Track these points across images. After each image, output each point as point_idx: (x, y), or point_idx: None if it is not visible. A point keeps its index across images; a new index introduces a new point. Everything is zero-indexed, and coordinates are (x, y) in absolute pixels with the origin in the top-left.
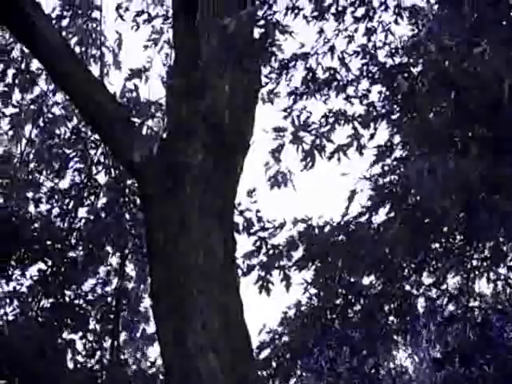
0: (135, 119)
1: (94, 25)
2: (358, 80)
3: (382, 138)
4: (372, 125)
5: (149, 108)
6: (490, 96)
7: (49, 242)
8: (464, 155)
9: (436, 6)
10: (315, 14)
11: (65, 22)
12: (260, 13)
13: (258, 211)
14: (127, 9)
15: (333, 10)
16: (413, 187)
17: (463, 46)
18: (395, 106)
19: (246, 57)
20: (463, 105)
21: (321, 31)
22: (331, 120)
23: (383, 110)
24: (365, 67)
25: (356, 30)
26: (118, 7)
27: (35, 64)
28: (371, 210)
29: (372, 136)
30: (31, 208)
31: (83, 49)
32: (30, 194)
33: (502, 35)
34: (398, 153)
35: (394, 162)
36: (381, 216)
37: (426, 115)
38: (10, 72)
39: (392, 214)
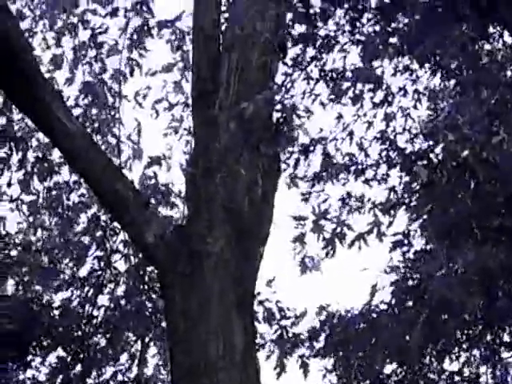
0: (153, 206)
1: (113, 112)
2: (377, 164)
3: (400, 223)
4: (392, 211)
5: (168, 195)
6: (509, 185)
7: (69, 329)
8: (483, 244)
9: (453, 89)
10: (332, 97)
11: (81, 110)
12: (277, 97)
13: (278, 301)
14: (145, 96)
15: (350, 93)
16: (433, 281)
17: (482, 135)
18: (414, 193)
19: (264, 142)
20: (482, 195)
21: (339, 116)
22: (350, 204)
23: (402, 196)
24: (384, 153)
25: (375, 116)
26: (137, 94)
27: (55, 152)
28: (393, 305)
29: (391, 223)
30: (51, 295)
31: (102, 137)
32: (49, 282)
33: None
34: (416, 241)
35: (414, 255)
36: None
37: (445, 205)
38: (30, 160)
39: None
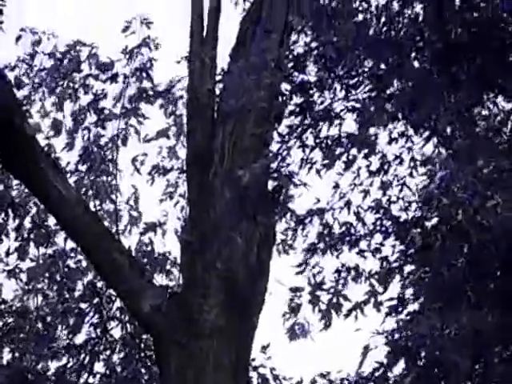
0: (149, 273)
1: (110, 178)
2: (371, 234)
3: (394, 290)
4: (388, 280)
5: (164, 262)
6: (503, 249)
7: None
8: (477, 308)
9: (448, 155)
10: (326, 162)
11: (76, 177)
12: (273, 165)
13: (273, 369)
14: (142, 162)
15: (344, 158)
16: (426, 344)
17: (476, 200)
18: (408, 259)
19: (260, 211)
20: (476, 258)
21: (336, 186)
22: (345, 275)
23: (396, 264)
24: (378, 221)
25: (371, 184)
26: (134, 160)
27: (51, 219)
28: (386, 366)
29: (385, 289)
30: (46, 363)
31: (98, 203)
32: (45, 349)
33: None
34: (410, 307)
35: (408, 317)
36: (398, 367)
37: (439, 269)
38: (26, 226)
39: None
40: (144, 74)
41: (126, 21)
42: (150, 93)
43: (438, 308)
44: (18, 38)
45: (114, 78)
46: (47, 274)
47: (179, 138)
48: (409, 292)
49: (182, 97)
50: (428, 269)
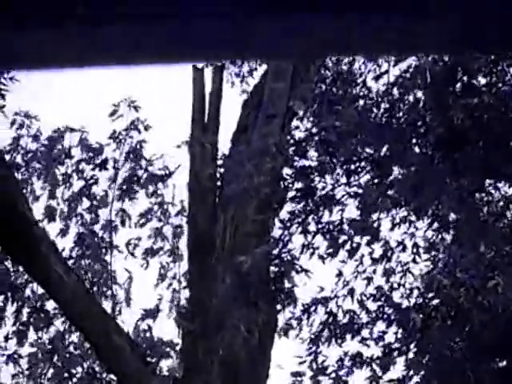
0: (150, 359)
1: (105, 264)
2: (373, 322)
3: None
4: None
5: (163, 347)
6: (504, 330)
7: None
8: None
9: (451, 241)
10: (330, 250)
11: (75, 261)
12: (275, 251)
13: None
14: (136, 246)
15: (347, 247)
16: None
17: (477, 280)
18: (410, 345)
19: (261, 297)
20: (478, 339)
21: (339, 273)
22: (348, 363)
23: (398, 350)
24: (380, 309)
25: (374, 272)
26: (128, 244)
27: (50, 303)
28: None
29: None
30: None
31: (97, 288)
32: None
33: None
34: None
35: None
36: None
37: (439, 350)
38: (25, 311)
39: None
40: (132, 157)
41: (114, 104)
42: (141, 175)
43: None
44: (13, 123)
45: (103, 164)
46: (47, 359)
47: (164, 217)
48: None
49: (163, 176)
50: (429, 350)
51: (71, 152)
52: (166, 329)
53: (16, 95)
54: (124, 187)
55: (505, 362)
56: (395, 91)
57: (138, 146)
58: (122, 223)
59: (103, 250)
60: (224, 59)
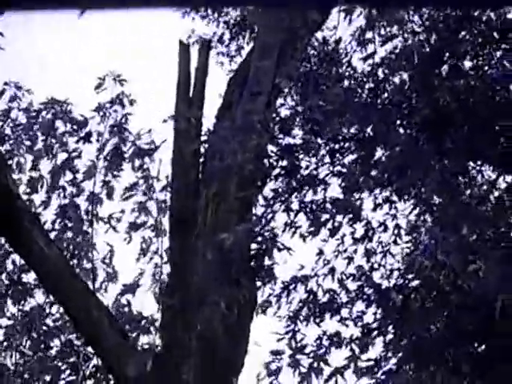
0: (129, 334)
1: (87, 237)
2: (353, 302)
3: (374, 354)
4: (369, 346)
5: (142, 323)
6: (483, 314)
7: None
8: (455, 372)
9: (433, 222)
10: (312, 229)
11: (56, 234)
12: (257, 229)
13: None
14: (119, 220)
15: (329, 225)
16: None
17: (458, 263)
18: (389, 325)
19: (243, 274)
20: (456, 322)
21: (320, 252)
22: (326, 343)
23: (378, 331)
24: (360, 289)
25: (355, 251)
26: (110, 217)
27: (30, 275)
28: None
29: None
30: None
31: (77, 261)
32: None
33: (498, 253)
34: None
35: (383, 376)
36: None
37: (418, 332)
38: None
39: None
40: (116, 130)
41: (99, 77)
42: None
43: (414, 367)
44: (2, 93)
45: (87, 137)
46: (25, 332)
47: (149, 192)
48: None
49: (150, 150)
50: (408, 331)
51: (55, 124)
52: (147, 304)
53: (4, 64)
54: (109, 160)
55: (483, 347)
56: (380, 72)
57: (123, 120)
58: (108, 196)
59: (85, 223)
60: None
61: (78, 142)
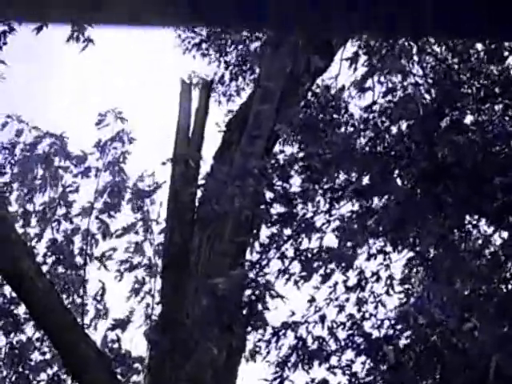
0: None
1: (79, 272)
2: (342, 350)
3: None
4: None
5: (130, 361)
6: (477, 374)
7: None
8: None
9: (426, 275)
10: (303, 274)
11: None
12: (251, 274)
13: None
14: (110, 257)
15: (321, 271)
16: None
17: (453, 321)
18: (379, 378)
19: (235, 321)
20: (449, 381)
21: (312, 299)
22: None
23: (367, 381)
24: (350, 338)
25: (347, 300)
26: (102, 256)
27: (21, 308)
28: None
29: None
30: None
31: (67, 296)
32: None
33: (493, 312)
34: None
35: None
36: None
37: None
38: None
39: None
40: (117, 168)
41: (100, 114)
42: (122, 187)
43: None
44: (4, 125)
45: (85, 172)
46: (12, 365)
47: (146, 233)
48: None
49: (149, 192)
50: None
51: (50, 158)
52: (137, 344)
53: (8, 95)
54: (107, 200)
55: None
56: (380, 122)
57: (121, 158)
58: (103, 237)
59: (78, 260)
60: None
61: (76, 176)
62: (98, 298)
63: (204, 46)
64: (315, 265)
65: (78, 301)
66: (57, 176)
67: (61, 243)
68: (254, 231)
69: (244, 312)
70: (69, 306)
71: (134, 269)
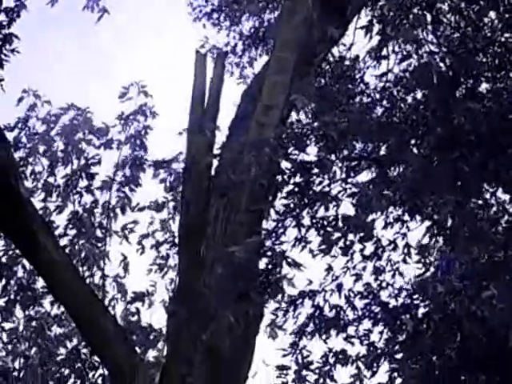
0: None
1: (100, 245)
2: (359, 320)
3: (382, 377)
4: (375, 364)
5: (149, 333)
6: (496, 342)
7: None
8: None
9: (444, 244)
10: (323, 247)
11: (66, 241)
12: (267, 243)
13: None
14: (132, 231)
15: (341, 244)
16: None
17: (472, 289)
18: (398, 347)
19: (252, 288)
20: (468, 349)
21: (329, 268)
22: (331, 360)
23: (385, 350)
24: (367, 307)
25: (364, 269)
26: (124, 228)
27: (39, 282)
28: None
29: (373, 374)
30: None
31: (86, 268)
32: None
33: (509, 280)
34: None
35: None
36: None
37: (429, 358)
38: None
39: None
40: (138, 142)
41: (124, 87)
42: (144, 161)
43: None
44: (20, 100)
45: (108, 144)
46: (31, 337)
47: (175, 212)
48: (398, 381)
49: (168, 162)
50: (418, 357)
51: (74, 131)
52: (156, 315)
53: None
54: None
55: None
56: (395, 91)
57: (143, 132)
58: (122, 211)
59: (98, 232)
60: None
61: (98, 147)
62: (120, 270)
63: (215, 15)
64: (334, 237)
65: (99, 273)
66: (80, 148)
67: (82, 216)
68: (270, 199)
69: (260, 280)
70: (88, 279)
71: (159, 245)
